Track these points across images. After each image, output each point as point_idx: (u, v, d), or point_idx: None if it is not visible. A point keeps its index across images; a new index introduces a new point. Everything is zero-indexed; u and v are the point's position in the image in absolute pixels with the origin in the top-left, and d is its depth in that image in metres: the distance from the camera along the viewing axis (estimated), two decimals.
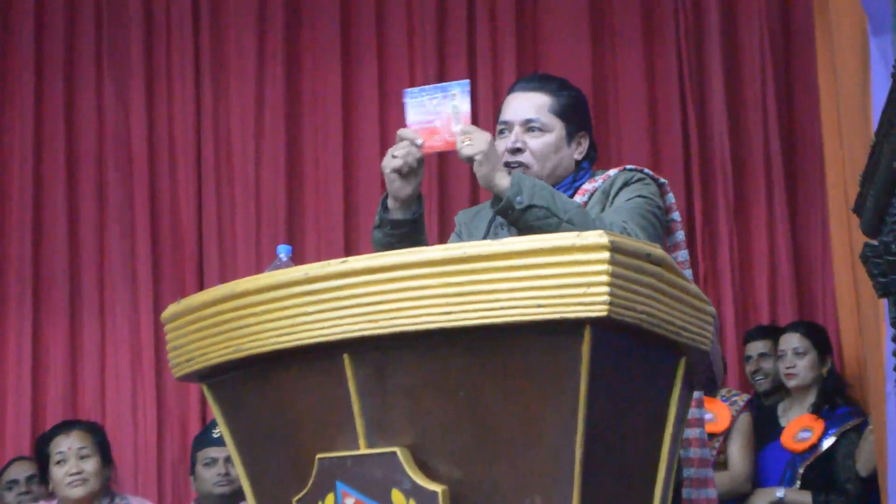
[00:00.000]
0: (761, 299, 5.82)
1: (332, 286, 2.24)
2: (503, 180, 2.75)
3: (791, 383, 5.13)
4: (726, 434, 5.08)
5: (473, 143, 2.76)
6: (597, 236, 2.14)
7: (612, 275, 2.12)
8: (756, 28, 5.95)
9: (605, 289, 2.11)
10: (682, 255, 3.05)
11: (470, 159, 2.75)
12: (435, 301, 2.15)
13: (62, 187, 6.03)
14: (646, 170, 3.04)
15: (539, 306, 2.12)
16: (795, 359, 5.09)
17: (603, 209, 2.92)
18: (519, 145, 3.01)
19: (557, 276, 2.12)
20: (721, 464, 5.06)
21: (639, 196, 2.92)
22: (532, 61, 6.00)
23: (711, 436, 4.98)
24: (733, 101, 5.95)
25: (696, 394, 2.98)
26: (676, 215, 3.06)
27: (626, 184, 2.96)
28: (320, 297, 2.24)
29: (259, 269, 5.37)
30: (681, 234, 3.06)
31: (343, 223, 5.96)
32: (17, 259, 5.97)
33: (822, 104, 5.42)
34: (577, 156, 3.08)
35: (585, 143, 3.10)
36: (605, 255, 2.12)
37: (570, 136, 3.06)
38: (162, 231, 6.03)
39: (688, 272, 3.01)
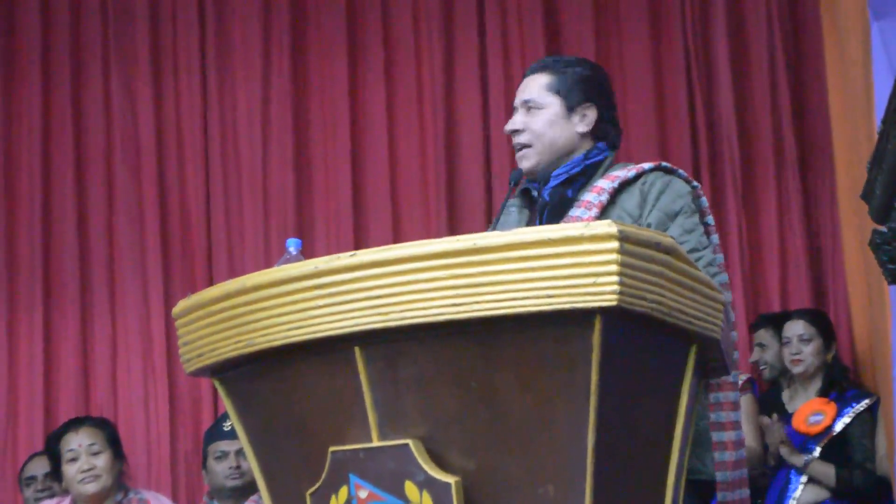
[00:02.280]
0: (772, 285, 5.81)
1: (342, 279, 2.24)
2: None
3: (797, 370, 5.13)
4: None
5: None
6: (605, 226, 2.14)
7: (622, 264, 2.12)
8: (763, 13, 5.94)
9: (615, 278, 2.11)
10: (719, 258, 3.04)
11: None
12: (445, 293, 2.16)
13: (70, 183, 6.04)
14: (680, 171, 3.07)
15: (549, 297, 2.12)
16: (801, 345, 5.10)
17: (640, 213, 2.95)
18: (517, 126, 3.13)
19: (567, 266, 2.12)
20: None
21: (689, 233, 2.93)
22: (540, 53, 5.99)
23: None
24: (740, 87, 5.94)
25: (731, 395, 2.95)
26: (710, 219, 3.07)
27: (661, 193, 2.97)
28: (330, 291, 2.25)
29: (268, 263, 5.38)
30: (715, 238, 3.06)
31: (352, 216, 5.96)
32: (28, 255, 5.98)
33: (829, 89, 5.42)
34: (582, 128, 3.11)
35: (592, 115, 3.12)
36: (615, 244, 2.12)
37: (571, 109, 3.11)
38: (171, 226, 6.03)
39: (724, 275, 3.00)
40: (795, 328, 5.14)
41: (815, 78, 5.81)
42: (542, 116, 3.10)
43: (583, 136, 3.11)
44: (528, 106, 3.12)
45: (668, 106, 5.97)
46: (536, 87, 3.13)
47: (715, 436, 2.95)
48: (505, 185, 5.80)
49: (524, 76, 3.21)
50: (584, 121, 3.12)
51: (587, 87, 3.14)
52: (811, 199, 5.87)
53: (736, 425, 2.98)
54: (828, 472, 4.90)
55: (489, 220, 5.82)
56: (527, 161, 3.11)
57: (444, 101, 6.01)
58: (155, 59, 6.13)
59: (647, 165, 3.05)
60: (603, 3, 6.07)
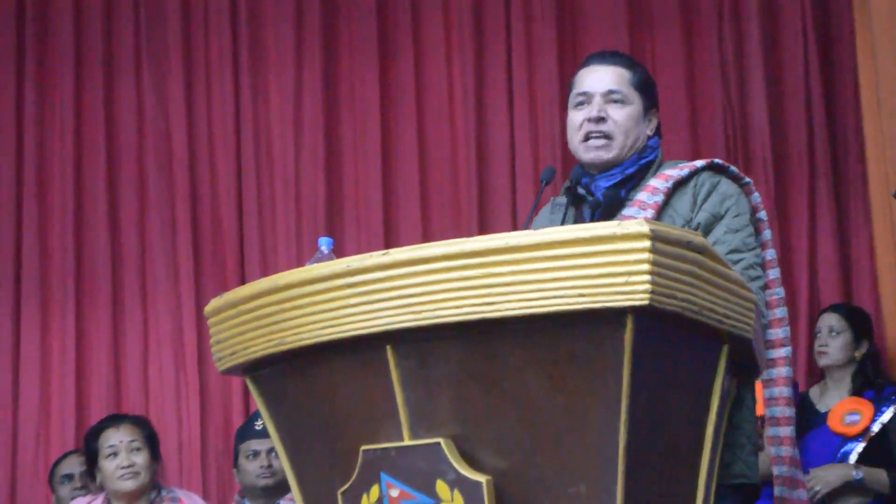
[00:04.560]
0: (800, 285, 5.79)
1: (373, 278, 2.24)
2: None
3: (821, 362, 5.12)
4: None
5: None
6: (637, 225, 2.14)
7: (654, 263, 2.12)
8: (797, 10, 5.91)
9: (647, 277, 2.11)
10: (770, 253, 2.98)
11: None
12: (477, 291, 2.16)
13: (103, 184, 6.06)
14: (731, 169, 3.00)
15: (581, 296, 2.12)
16: (829, 338, 5.09)
17: (692, 215, 2.90)
18: (603, 114, 3.00)
19: (599, 265, 2.12)
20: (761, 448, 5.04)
21: (733, 232, 2.88)
22: (570, 50, 5.98)
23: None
24: (773, 87, 5.90)
25: (785, 390, 2.91)
26: (763, 214, 3.00)
27: (709, 195, 2.91)
28: (362, 290, 2.25)
29: (299, 263, 5.39)
30: (768, 233, 3.00)
31: (383, 215, 5.97)
32: (60, 255, 6.01)
33: (861, 86, 5.41)
34: (650, 132, 3.06)
35: (656, 121, 3.08)
36: (646, 243, 2.12)
37: (646, 111, 3.05)
38: (203, 225, 6.05)
39: (776, 270, 2.96)
40: (827, 320, 5.13)
41: (849, 78, 5.79)
42: (628, 111, 3.01)
43: (648, 138, 3.05)
44: (614, 98, 3.01)
45: (701, 104, 5.95)
46: (617, 79, 3.02)
47: (770, 430, 2.92)
48: (529, 185, 5.81)
49: (586, 65, 3.11)
50: (650, 126, 3.06)
51: (654, 90, 3.09)
52: (843, 202, 5.84)
53: (791, 420, 2.93)
54: (881, 478, 4.85)
55: (514, 219, 5.83)
56: (606, 152, 3.00)
57: (474, 102, 6.01)
58: (187, 60, 6.15)
59: (699, 163, 2.98)
60: (635, 3, 6.05)
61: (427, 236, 5.83)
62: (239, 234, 6.03)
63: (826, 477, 4.82)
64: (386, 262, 2.24)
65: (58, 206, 6.06)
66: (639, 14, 6.05)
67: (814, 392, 5.20)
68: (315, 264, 2.39)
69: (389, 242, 5.82)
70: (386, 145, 6.05)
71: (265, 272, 5.66)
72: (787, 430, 2.92)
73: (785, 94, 5.91)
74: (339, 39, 6.18)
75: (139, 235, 6.05)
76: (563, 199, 3.09)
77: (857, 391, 5.03)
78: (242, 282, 5.66)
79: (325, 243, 2.70)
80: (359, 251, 2.50)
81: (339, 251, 2.69)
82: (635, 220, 2.16)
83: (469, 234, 3.43)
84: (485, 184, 5.96)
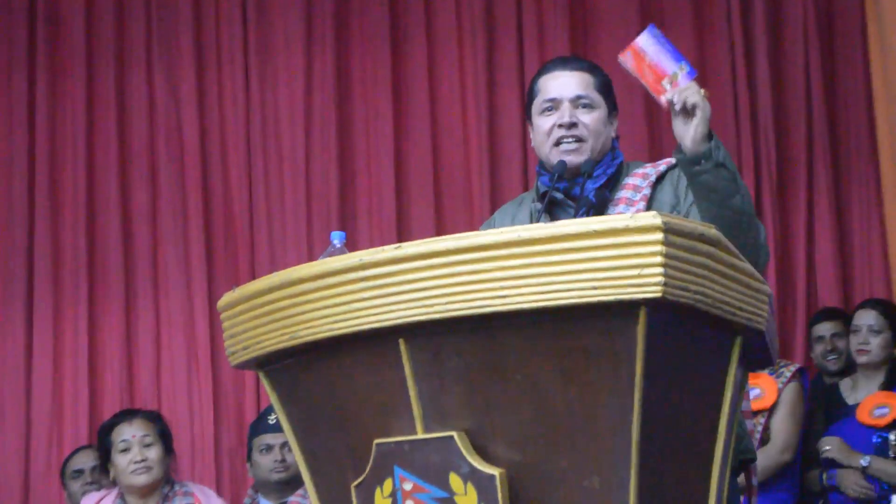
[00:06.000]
0: (798, 278, 5.82)
1: (386, 272, 2.24)
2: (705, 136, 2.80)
3: (862, 360, 5.12)
4: (773, 409, 5.09)
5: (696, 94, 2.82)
6: (650, 217, 2.14)
7: (666, 255, 2.12)
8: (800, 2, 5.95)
9: (660, 270, 2.11)
10: None
11: (694, 106, 2.80)
12: (490, 285, 2.16)
13: (115, 178, 6.08)
14: None
15: (594, 288, 2.12)
16: (870, 336, 5.08)
17: (677, 202, 3.00)
18: (574, 120, 3.06)
19: (612, 257, 2.12)
20: (768, 440, 5.06)
21: None
22: (581, 43, 5.98)
23: (757, 412, 4.97)
24: (777, 77, 5.93)
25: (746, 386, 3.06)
26: None
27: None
28: (375, 283, 2.25)
29: (310, 257, 5.41)
30: None
31: (395, 208, 5.98)
32: (72, 250, 6.02)
33: (872, 75, 5.42)
34: (614, 133, 3.14)
35: (617, 123, 3.17)
36: (659, 235, 2.12)
37: (609, 113, 3.13)
38: (214, 220, 6.06)
39: None
40: (866, 318, 5.11)
41: (852, 77, 5.83)
42: (596, 115, 3.08)
43: (613, 139, 3.14)
44: (583, 103, 3.08)
45: (713, 99, 5.95)
46: (583, 84, 3.09)
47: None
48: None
49: (547, 71, 3.16)
50: (614, 126, 3.15)
51: (613, 94, 3.18)
52: (843, 198, 5.88)
53: (751, 414, 3.07)
54: (890, 470, 4.86)
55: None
56: (579, 155, 3.06)
57: (486, 92, 6.02)
58: (198, 52, 6.17)
59: (672, 160, 3.05)
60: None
61: (440, 230, 5.84)
62: (250, 227, 6.04)
63: (833, 450, 4.87)
64: (398, 255, 2.24)
65: (70, 200, 6.07)
66: (650, 7, 6.05)
67: (844, 384, 5.23)
68: (328, 258, 2.39)
69: (402, 236, 5.83)
70: (398, 137, 6.06)
71: (276, 266, 5.66)
72: (750, 424, 3.04)
73: (788, 82, 5.95)
74: (351, 28, 6.18)
75: (151, 229, 6.07)
76: (536, 203, 3.14)
77: (886, 385, 5.06)
78: (253, 276, 5.67)
79: (337, 237, 2.70)
80: (371, 244, 2.50)
81: (351, 244, 2.69)
82: (648, 213, 2.16)
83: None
84: (497, 176, 5.97)
